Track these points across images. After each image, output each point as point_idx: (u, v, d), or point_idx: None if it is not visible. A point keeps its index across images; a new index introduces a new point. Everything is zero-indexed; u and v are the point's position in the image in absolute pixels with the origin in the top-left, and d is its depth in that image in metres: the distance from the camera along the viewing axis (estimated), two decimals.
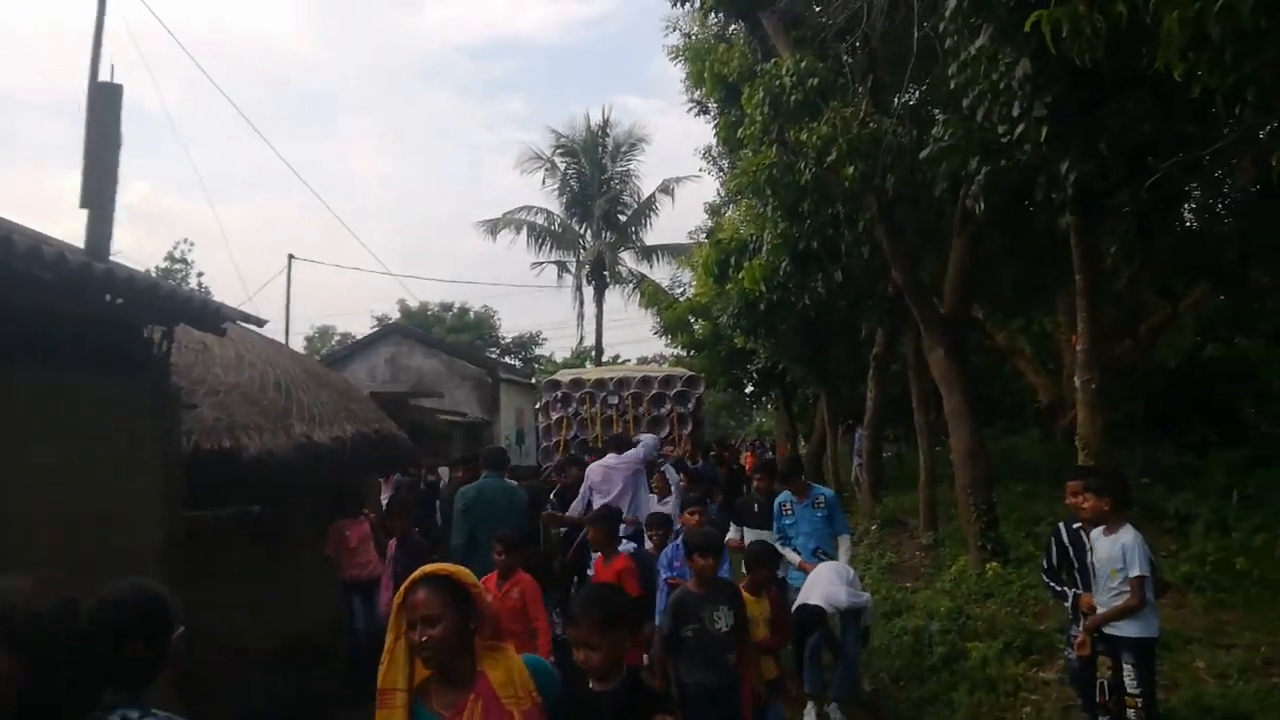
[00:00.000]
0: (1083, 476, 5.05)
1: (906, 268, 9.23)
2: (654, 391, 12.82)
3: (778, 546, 6.44)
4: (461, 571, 2.33)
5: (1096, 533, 4.76)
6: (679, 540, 5.99)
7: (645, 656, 5.30)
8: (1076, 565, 4.99)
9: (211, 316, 5.29)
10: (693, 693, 4.29)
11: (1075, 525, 5.08)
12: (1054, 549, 5.19)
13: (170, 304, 4.86)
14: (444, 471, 11.55)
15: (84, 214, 5.20)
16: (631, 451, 8.20)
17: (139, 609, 2.27)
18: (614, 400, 12.79)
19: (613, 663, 2.56)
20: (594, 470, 8.11)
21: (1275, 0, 3.16)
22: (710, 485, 10.67)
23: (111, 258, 5.33)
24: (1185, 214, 9.73)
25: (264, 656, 6.29)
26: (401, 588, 2.30)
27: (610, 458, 8.17)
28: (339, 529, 7.67)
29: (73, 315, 4.51)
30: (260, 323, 5.57)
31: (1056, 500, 6.39)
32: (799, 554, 6.58)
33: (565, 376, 13.69)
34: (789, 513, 6.73)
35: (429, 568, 2.33)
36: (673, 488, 8.49)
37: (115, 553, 4.68)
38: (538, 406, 14.30)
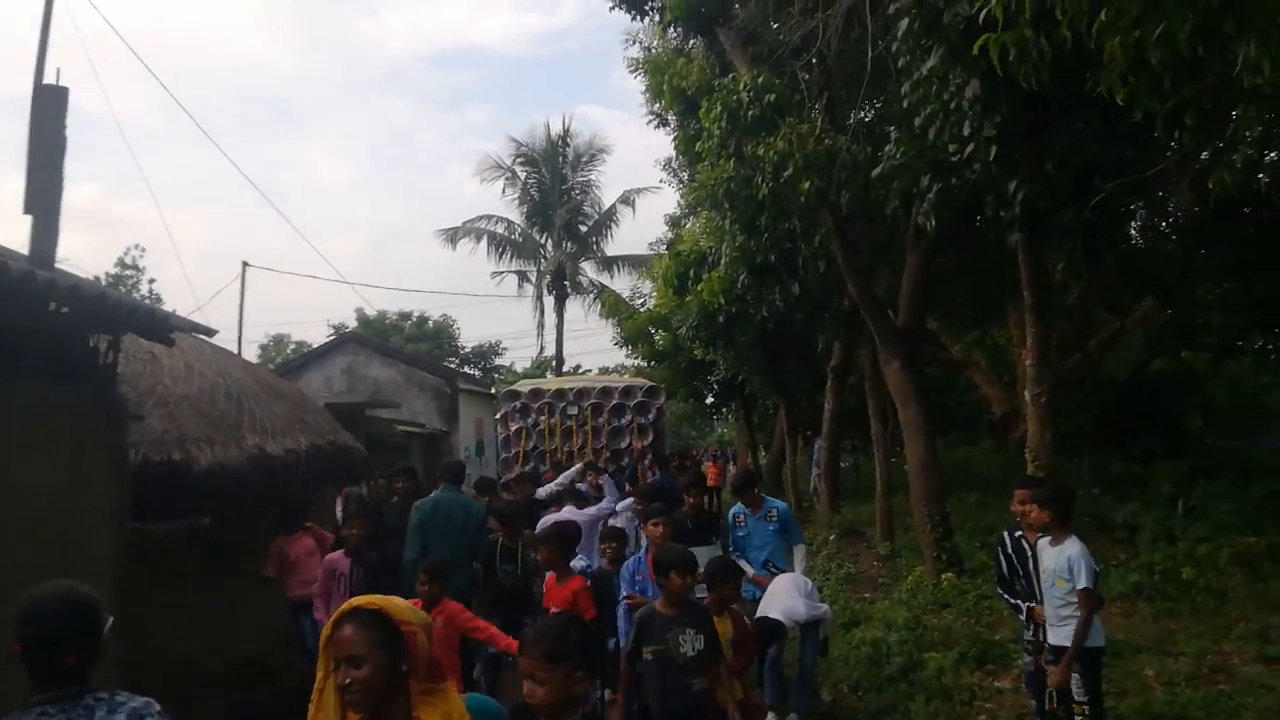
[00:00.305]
0: (1030, 486, 5.16)
1: (861, 282, 9.36)
2: (614, 402, 12.60)
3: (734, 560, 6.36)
4: (393, 605, 2.09)
5: (1043, 542, 4.84)
6: (641, 554, 5.77)
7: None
8: (1021, 573, 5.09)
9: (159, 326, 5.19)
10: (656, 718, 4.12)
11: (1017, 534, 5.18)
12: (1001, 560, 5.28)
13: (117, 313, 4.75)
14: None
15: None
16: (592, 509, 7.92)
17: (69, 618, 2.24)
18: (573, 411, 12.52)
19: (561, 701, 2.36)
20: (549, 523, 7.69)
21: (1210, 29, 3.27)
22: (670, 497, 10.47)
23: (60, 263, 5.21)
24: (1131, 232, 10.00)
25: (214, 673, 6.14)
26: (329, 622, 2.08)
27: (569, 510, 7.70)
28: (278, 546, 7.20)
29: (15, 323, 4.39)
30: (210, 333, 5.46)
31: (1008, 510, 6.51)
32: (751, 566, 6.53)
33: (524, 387, 13.45)
34: (742, 525, 6.65)
35: (356, 601, 2.09)
36: (606, 490, 8.31)
37: (62, 564, 4.56)
38: (497, 417, 14.05)
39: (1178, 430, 13.05)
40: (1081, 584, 4.51)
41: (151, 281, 26.26)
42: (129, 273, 23.87)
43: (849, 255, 9.29)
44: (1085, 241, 7.54)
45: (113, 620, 2.32)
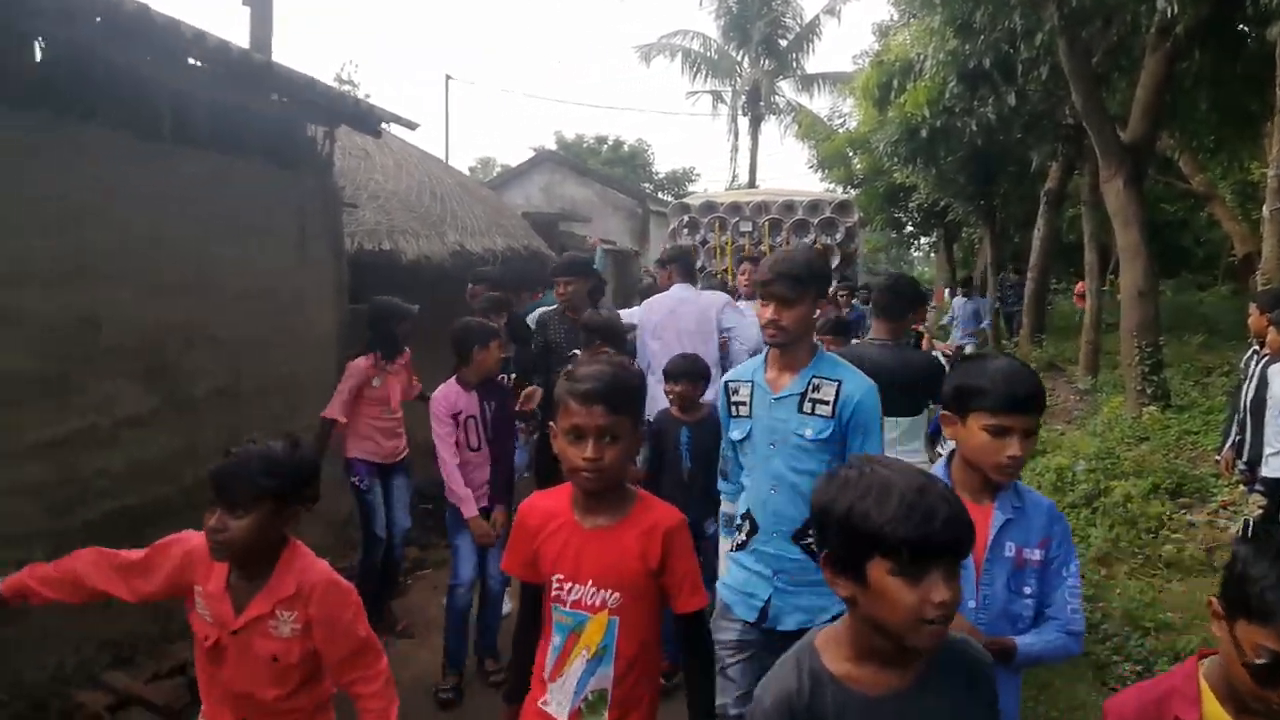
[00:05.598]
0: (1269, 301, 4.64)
1: (1086, 87, 8.38)
2: (796, 218, 10.59)
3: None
4: None
5: (1275, 368, 4.39)
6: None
7: None
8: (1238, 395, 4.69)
9: (366, 117, 5.51)
10: None
11: (1249, 353, 4.75)
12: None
13: (326, 102, 5.08)
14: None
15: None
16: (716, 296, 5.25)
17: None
18: (746, 228, 10.64)
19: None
20: (656, 304, 5.19)
21: None
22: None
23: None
24: None
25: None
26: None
27: (680, 289, 5.18)
28: (364, 375, 4.61)
29: (239, 106, 4.79)
30: (412, 125, 5.75)
31: (1237, 354, 5.92)
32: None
33: (696, 200, 11.62)
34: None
35: None
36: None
37: (291, 331, 5.17)
38: (666, 233, 12.02)
39: None
40: None
41: (366, 96, 27.59)
42: (345, 88, 25.14)
43: (1075, 57, 8.28)
44: None
45: None
